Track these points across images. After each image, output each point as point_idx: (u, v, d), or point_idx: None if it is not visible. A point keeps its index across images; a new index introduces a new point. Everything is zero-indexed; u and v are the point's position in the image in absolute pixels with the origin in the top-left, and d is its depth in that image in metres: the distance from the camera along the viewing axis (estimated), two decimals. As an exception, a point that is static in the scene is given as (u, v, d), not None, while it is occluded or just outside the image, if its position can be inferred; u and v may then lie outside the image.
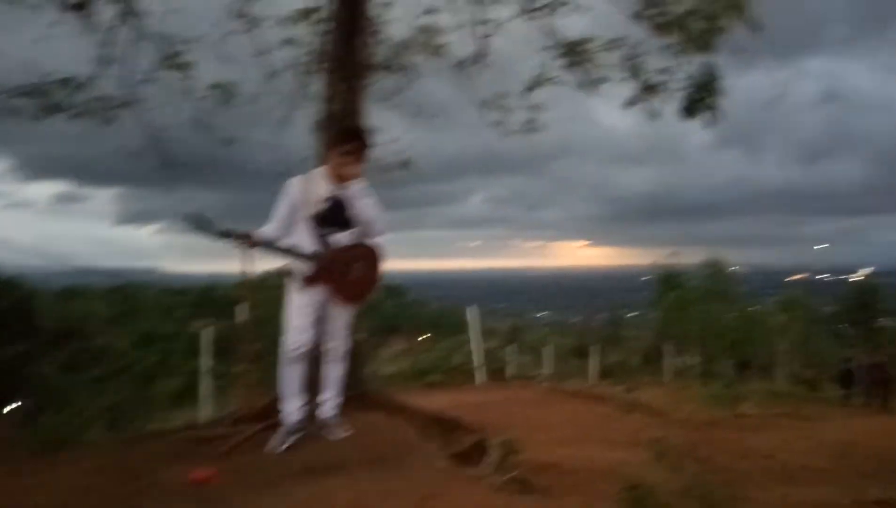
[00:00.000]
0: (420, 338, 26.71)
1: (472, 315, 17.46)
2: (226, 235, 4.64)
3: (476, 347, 17.01)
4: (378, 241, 5.19)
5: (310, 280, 4.87)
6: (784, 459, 9.96)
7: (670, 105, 7.55)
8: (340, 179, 5.02)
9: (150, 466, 4.49)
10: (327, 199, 4.99)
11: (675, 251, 38.79)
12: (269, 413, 5.31)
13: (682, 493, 4.72)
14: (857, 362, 19.55)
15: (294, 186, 5.04)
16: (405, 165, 9.13)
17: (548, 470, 6.62)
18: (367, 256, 5.12)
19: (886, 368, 18.79)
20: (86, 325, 24.55)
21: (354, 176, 5.05)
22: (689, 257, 38.91)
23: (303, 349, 4.97)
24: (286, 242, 4.95)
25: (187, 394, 15.03)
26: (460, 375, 16.86)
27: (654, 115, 7.44)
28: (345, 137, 5.07)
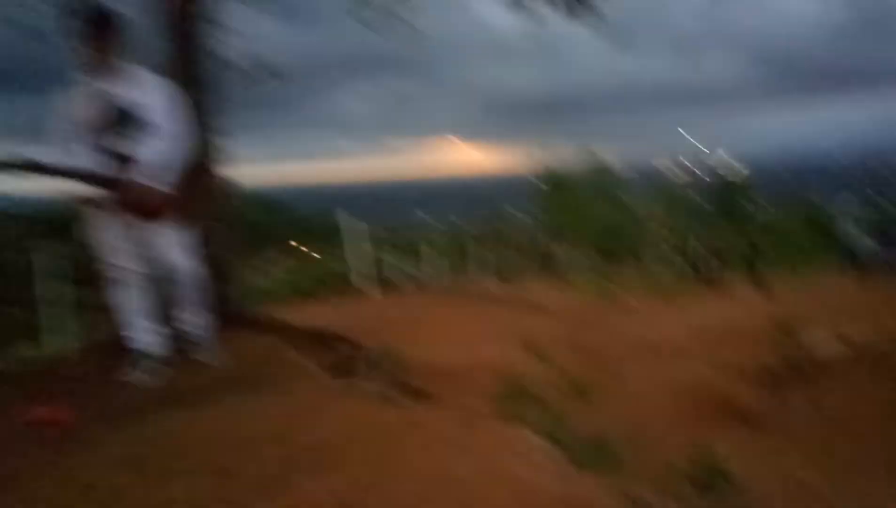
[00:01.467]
0: (296, 249, 26.17)
1: (347, 223, 17.20)
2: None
3: (354, 255, 16.83)
4: (167, 140, 4.36)
5: (96, 201, 4.33)
6: (655, 340, 10.46)
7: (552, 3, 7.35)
8: (100, 74, 4.28)
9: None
10: (98, 104, 4.27)
11: (555, 148, 39.39)
12: (124, 341, 4.92)
13: (555, 384, 4.78)
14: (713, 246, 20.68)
15: (68, 99, 4.36)
16: (265, 66, 8.58)
17: (430, 373, 6.63)
18: (169, 168, 4.39)
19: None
20: None
21: (106, 66, 4.29)
22: (569, 153, 39.58)
23: (125, 274, 4.51)
24: (71, 161, 4.23)
25: (25, 327, 13.61)
26: (340, 285, 16.64)
27: (535, 15, 7.23)
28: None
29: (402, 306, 13.05)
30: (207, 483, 3.08)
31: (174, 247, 4.57)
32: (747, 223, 35.37)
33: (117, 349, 4.88)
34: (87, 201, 4.31)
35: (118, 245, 4.41)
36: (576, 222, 33.43)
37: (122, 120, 4.30)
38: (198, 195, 5.22)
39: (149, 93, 4.39)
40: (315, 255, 22.83)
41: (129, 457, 3.37)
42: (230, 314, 5.94)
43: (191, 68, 6.05)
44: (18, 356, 9.02)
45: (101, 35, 4.22)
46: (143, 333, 4.64)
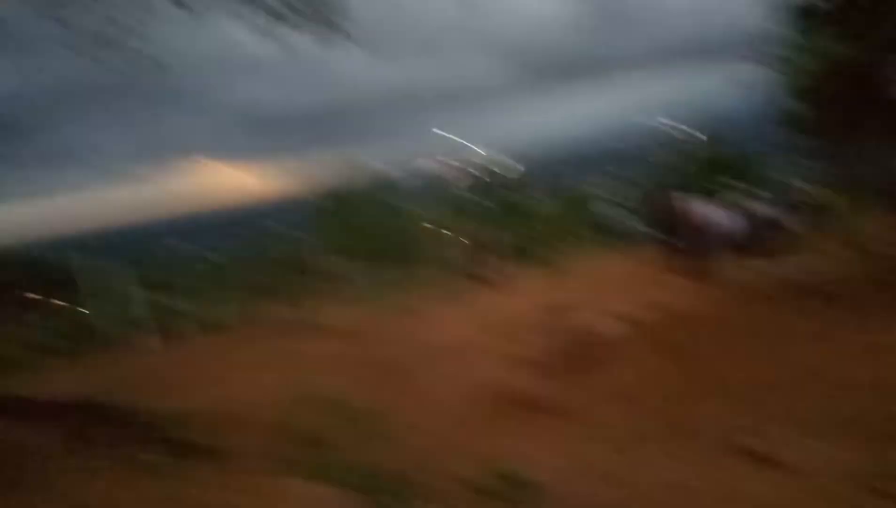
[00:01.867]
0: (47, 303, 23.91)
1: (106, 269, 16.04)
2: None
3: (117, 303, 15.68)
4: None
5: None
6: (445, 344, 10.59)
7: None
8: None
9: None
10: None
11: (324, 162, 39.09)
12: None
13: (344, 419, 4.61)
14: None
15: None
16: None
17: (219, 429, 6.21)
18: None
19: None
20: None
21: None
22: (339, 166, 39.44)
23: None
24: None
25: None
26: (103, 338, 15.38)
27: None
28: None
29: (176, 354, 12.37)
30: None
31: None
32: (521, 216, 37.13)
33: None
34: None
35: None
36: (353, 236, 33.43)
37: None
38: None
39: None
40: (70, 307, 21.06)
41: None
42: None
43: None
44: None
45: None
46: None
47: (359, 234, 33.45)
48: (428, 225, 27.04)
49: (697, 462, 4.59)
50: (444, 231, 29.11)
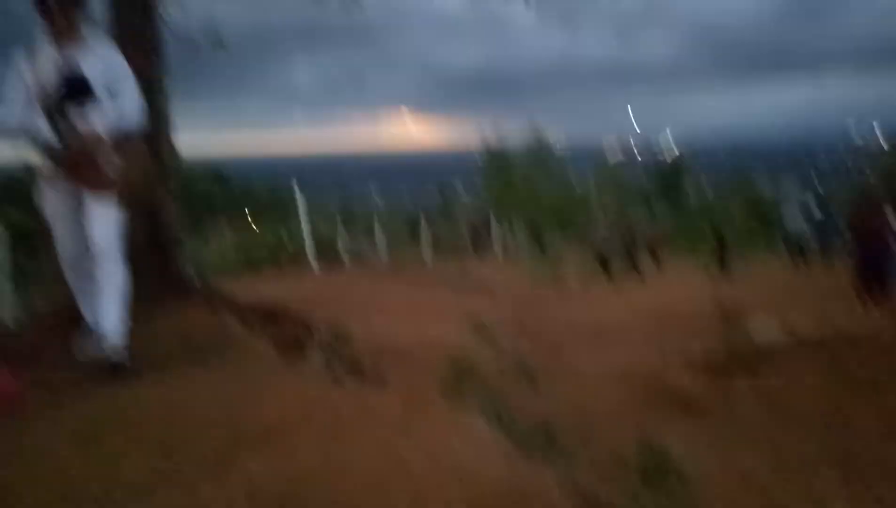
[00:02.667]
0: (244, 220, 25.43)
1: (300, 197, 16.83)
2: None
3: (307, 231, 16.48)
4: (129, 115, 4.24)
5: (51, 172, 4.18)
6: (599, 324, 10.56)
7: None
8: (61, 40, 4.07)
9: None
10: (57, 70, 4.05)
11: (498, 124, 39.51)
12: (74, 314, 4.70)
13: (501, 367, 4.76)
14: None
15: (21, 60, 4.10)
16: (217, 43, 8.23)
17: (378, 352, 6.54)
18: (122, 143, 4.31)
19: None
20: None
21: (67, 33, 4.07)
22: (513, 129, 39.62)
23: (74, 253, 4.31)
24: (23, 128, 4.04)
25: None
26: (292, 262, 16.30)
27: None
28: None
29: (351, 283, 12.89)
30: (154, 462, 3.01)
31: (109, 226, 4.28)
32: (694, 208, 35.95)
33: (65, 321, 4.71)
34: (40, 169, 4.16)
35: (67, 223, 4.22)
36: (518, 200, 33.54)
37: (79, 89, 4.11)
38: (147, 166, 5.01)
39: (109, 63, 4.22)
40: (261, 228, 22.31)
41: (76, 433, 3.27)
42: (179, 286, 5.80)
43: (140, 33, 5.84)
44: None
45: (65, 3, 4.03)
46: (88, 309, 4.42)
47: (523, 198, 33.62)
48: (592, 200, 26.81)
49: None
50: (608, 209, 28.76)
